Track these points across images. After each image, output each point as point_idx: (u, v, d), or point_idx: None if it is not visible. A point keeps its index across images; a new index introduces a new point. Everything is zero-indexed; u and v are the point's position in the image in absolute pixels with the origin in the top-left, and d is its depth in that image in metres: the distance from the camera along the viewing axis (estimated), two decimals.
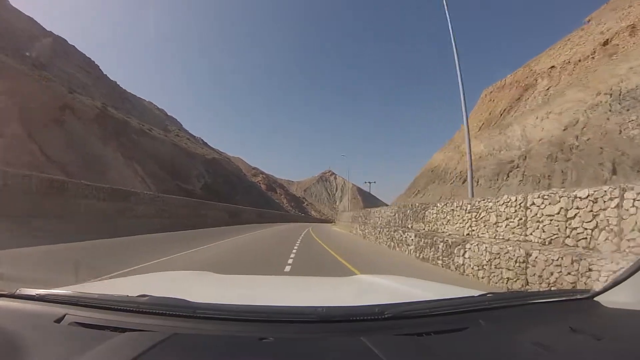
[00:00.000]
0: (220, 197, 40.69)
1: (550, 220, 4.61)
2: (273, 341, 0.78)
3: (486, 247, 5.55)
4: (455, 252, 6.54)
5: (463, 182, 19.89)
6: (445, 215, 7.92)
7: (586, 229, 4.05)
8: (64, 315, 0.88)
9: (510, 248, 5.00)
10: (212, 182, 49.99)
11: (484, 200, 6.39)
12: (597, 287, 1.06)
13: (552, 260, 4.16)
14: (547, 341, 0.79)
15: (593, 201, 3.97)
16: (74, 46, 46.10)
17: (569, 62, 22.65)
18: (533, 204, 4.96)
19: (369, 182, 42.18)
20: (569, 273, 3.90)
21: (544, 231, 4.72)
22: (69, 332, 0.84)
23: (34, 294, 0.97)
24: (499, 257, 5.19)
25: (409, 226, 10.26)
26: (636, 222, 3.44)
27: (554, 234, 4.55)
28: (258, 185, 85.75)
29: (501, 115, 26.35)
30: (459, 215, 7.19)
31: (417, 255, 8.53)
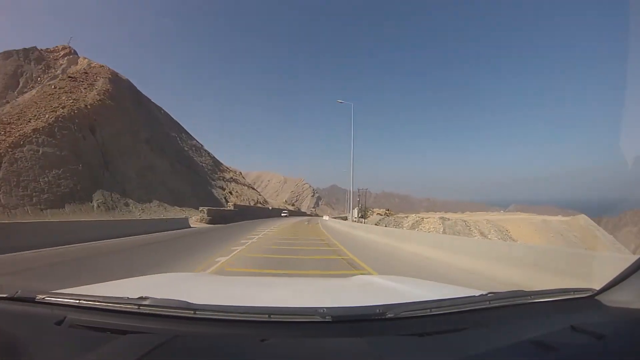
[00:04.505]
0: None
1: None
2: (274, 342, 0.78)
3: None
4: None
5: None
6: None
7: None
8: (65, 318, 0.88)
9: None
10: None
11: None
12: (598, 286, 1.06)
13: None
14: (549, 340, 0.79)
15: None
16: None
17: None
18: None
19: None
20: None
21: None
22: (70, 335, 0.84)
23: (34, 296, 0.97)
24: None
25: None
26: None
27: None
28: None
29: None
30: None
31: None
